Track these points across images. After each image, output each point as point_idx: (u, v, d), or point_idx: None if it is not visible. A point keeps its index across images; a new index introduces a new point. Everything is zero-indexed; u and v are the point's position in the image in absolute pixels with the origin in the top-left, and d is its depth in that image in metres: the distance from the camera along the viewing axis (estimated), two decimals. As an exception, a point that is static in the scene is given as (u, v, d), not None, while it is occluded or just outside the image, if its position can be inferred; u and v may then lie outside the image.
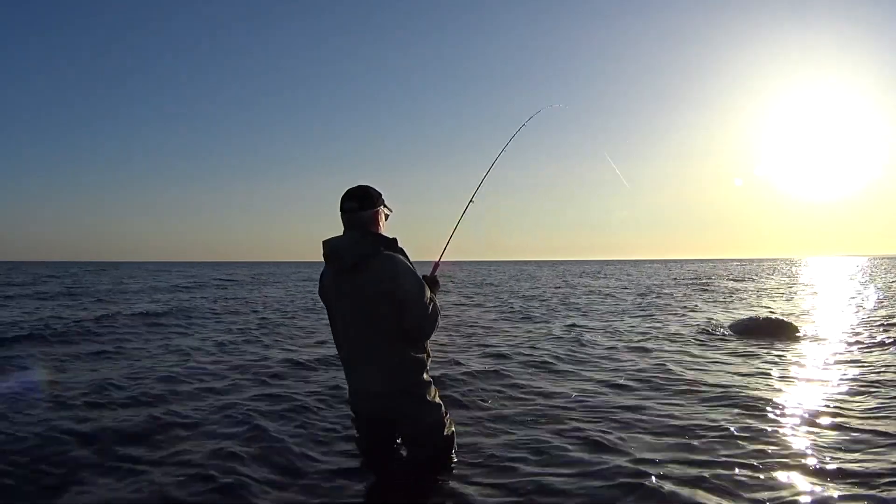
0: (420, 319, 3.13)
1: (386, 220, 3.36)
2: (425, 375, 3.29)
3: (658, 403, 5.02)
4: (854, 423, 4.34)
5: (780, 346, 8.07)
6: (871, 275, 35.48)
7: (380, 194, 3.31)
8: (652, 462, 3.58)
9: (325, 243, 3.23)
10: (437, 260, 3.80)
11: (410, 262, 3.25)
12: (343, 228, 3.26)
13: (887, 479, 3.25)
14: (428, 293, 3.20)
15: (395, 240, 3.26)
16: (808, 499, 3.09)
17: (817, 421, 4.42)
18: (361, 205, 3.21)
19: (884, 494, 3.07)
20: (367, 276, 3.12)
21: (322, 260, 3.28)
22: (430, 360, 3.35)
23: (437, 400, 3.36)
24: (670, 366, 6.72)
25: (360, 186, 3.27)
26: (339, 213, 3.25)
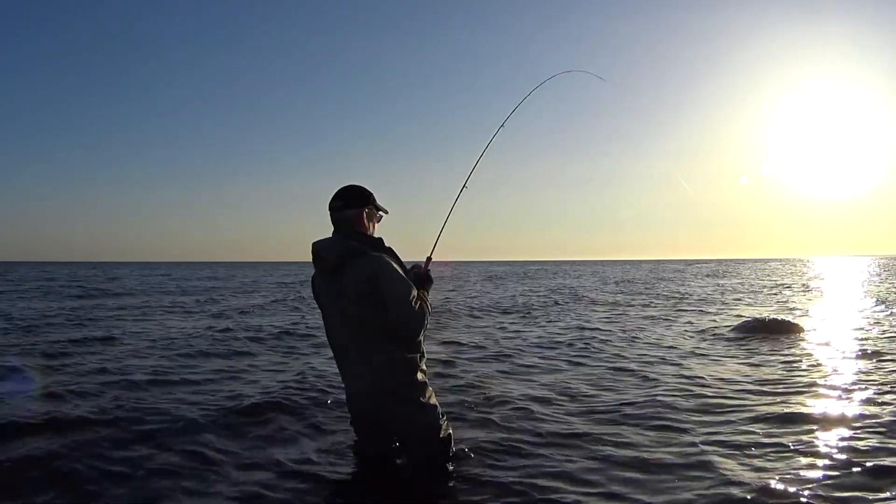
0: (404, 319, 3.09)
1: (379, 221, 3.36)
2: (419, 376, 3.26)
3: (665, 403, 4.98)
4: (865, 422, 4.29)
5: (785, 347, 8.05)
6: (878, 275, 35.38)
7: (370, 194, 3.30)
8: (658, 462, 3.56)
9: (313, 245, 3.24)
10: (430, 254, 3.69)
11: (399, 262, 3.24)
12: (332, 228, 3.29)
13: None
14: (414, 292, 3.18)
15: (380, 239, 3.27)
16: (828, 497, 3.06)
17: (823, 422, 4.37)
18: (347, 203, 3.23)
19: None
20: (350, 276, 3.12)
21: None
22: (424, 360, 3.32)
23: (433, 401, 3.33)
24: (683, 366, 6.75)
25: (349, 186, 3.29)
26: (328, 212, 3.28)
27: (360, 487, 3.37)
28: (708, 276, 38.31)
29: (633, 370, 6.56)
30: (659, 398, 5.13)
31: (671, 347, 8.25)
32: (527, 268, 73.50)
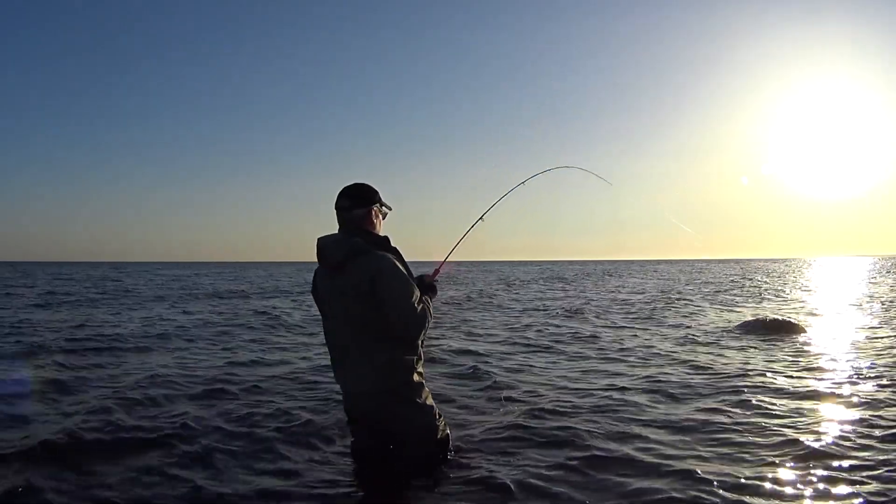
0: (403, 319, 3.09)
1: (384, 218, 3.36)
2: (415, 377, 3.25)
3: (663, 405, 4.97)
4: (863, 424, 4.21)
5: (786, 347, 8.00)
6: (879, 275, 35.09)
7: (375, 192, 3.30)
8: (658, 461, 3.57)
9: (318, 241, 3.23)
10: (439, 266, 3.77)
11: (403, 261, 3.24)
12: (336, 226, 3.27)
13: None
14: (416, 294, 3.17)
15: (386, 238, 3.26)
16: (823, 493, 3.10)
17: (824, 421, 4.29)
18: (354, 203, 3.22)
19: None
20: (352, 275, 3.11)
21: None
22: (421, 362, 3.31)
23: (429, 402, 3.34)
24: (678, 366, 6.69)
25: (354, 184, 3.28)
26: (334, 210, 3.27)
27: (359, 487, 3.37)
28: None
29: None
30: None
31: None
32: (544, 267, 73.35)
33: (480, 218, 4.14)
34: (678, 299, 17.80)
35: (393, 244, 3.26)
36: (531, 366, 6.90)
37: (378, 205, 3.28)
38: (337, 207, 3.23)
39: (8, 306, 15.86)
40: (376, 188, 3.32)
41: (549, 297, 20.15)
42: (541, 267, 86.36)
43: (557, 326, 11.02)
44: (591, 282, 32.10)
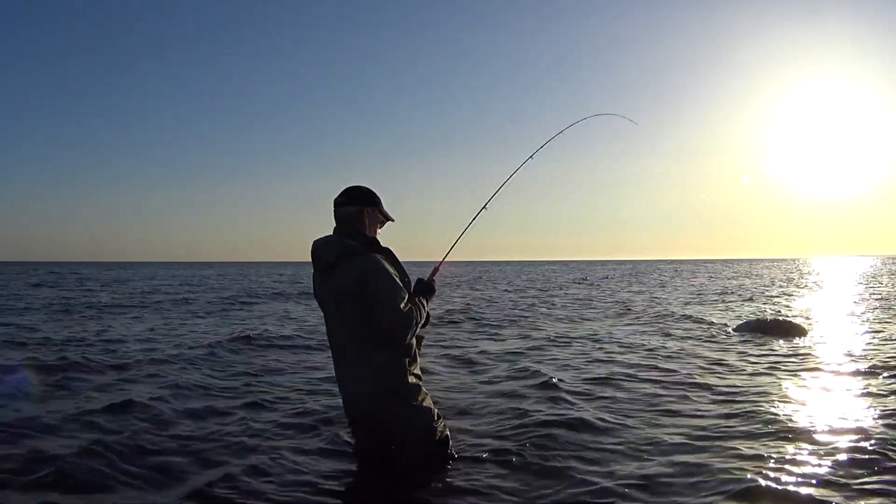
0: (389, 322, 3.08)
1: (382, 226, 3.37)
2: (410, 378, 3.26)
3: (665, 402, 5.02)
4: (868, 423, 4.24)
5: (787, 346, 8.01)
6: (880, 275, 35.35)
7: (375, 196, 3.32)
8: (658, 459, 3.60)
9: (312, 244, 3.27)
10: (438, 265, 3.70)
11: (395, 262, 3.25)
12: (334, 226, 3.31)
13: None
14: (404, 295, 3.16)
15: (374, 239, 3.28)
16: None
17: (825, 422, 4.32)
18: (349, 201, 3.26)
19: None
20: (343, 276, 3.13)
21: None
22: (416, 365, 3.32)
23: (426, 404, 3.34)
24: (678, 367, 6.74)
25: (357, 185, 3.33)
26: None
27: (360, 487, 3.39)
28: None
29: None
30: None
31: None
32: (554, 267, 72.98)
33: (484, 206, 4.04)
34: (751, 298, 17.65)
35: (386, 245, 3.29)
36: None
37: (374, 208, 3.30)
38: (334, 203, 3.29)
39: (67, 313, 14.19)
40: (380, 196, 3.35)
41: (610, 298, 19.74)
42: (553, 267, 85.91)
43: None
44: (626, 282, 31.71)
